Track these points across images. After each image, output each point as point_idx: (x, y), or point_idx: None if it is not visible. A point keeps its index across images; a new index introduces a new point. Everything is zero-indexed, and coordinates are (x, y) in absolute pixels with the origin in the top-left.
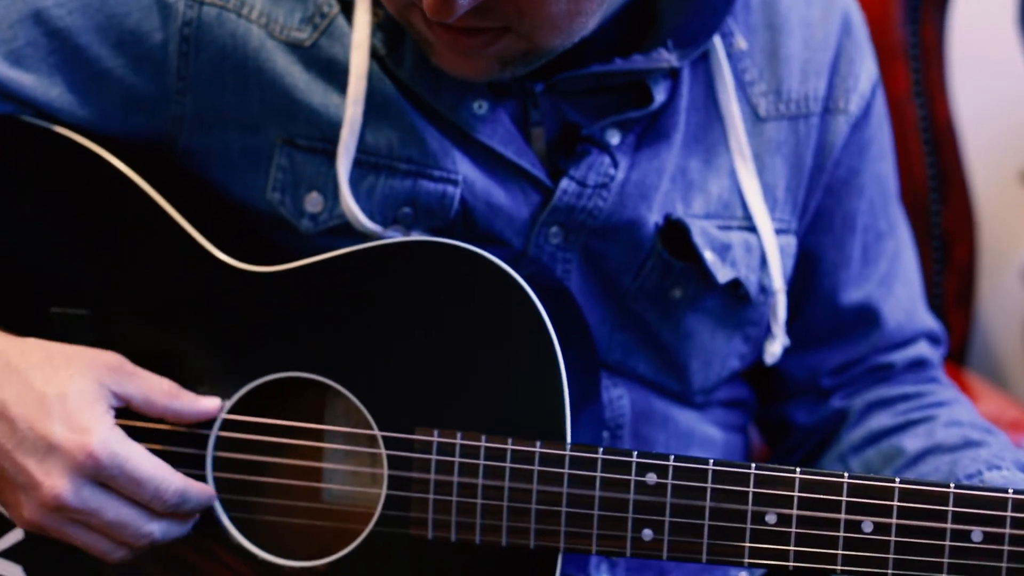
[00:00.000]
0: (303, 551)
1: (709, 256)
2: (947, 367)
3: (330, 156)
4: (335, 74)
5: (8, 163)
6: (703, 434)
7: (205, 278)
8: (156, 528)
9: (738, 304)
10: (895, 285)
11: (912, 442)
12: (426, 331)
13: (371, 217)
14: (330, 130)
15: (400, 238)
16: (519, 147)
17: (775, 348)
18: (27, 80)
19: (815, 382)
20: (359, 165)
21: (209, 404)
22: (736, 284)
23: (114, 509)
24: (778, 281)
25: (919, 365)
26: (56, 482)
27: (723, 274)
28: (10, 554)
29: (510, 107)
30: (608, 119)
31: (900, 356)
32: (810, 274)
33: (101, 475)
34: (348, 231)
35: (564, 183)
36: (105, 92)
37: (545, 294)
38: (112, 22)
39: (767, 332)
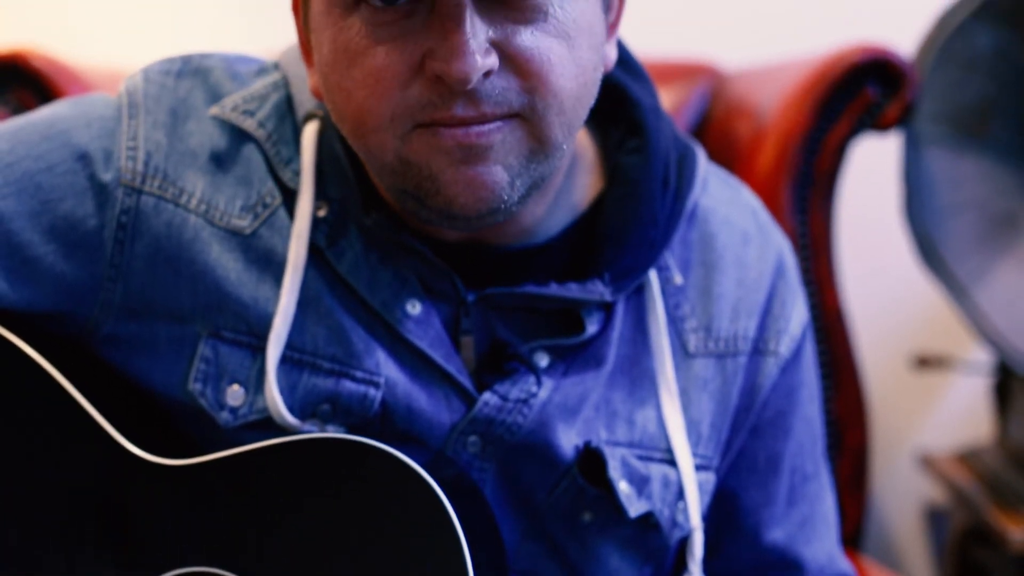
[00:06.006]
0: None
1: (624, 488)
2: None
3: (254, 350)
4: (271, 265)
5: None
6: None
7: (112, 470)
8: None
9: (648, 532)
10: (819, 527)
11: None
12: (337, 530)
13: (291, 411)
14: (258, 324)
15: (314, 434)
16: (447, 352)
17: None
18: None
19: None
20: (283, 361)
21: None
22: (648, 515)
23: None
24: (695, 518)
25: None
26: None
27: (635, 508)
28: None
29: (443, 311)
30: (537, 341)
31: None
32: (732, 512)
33: None
34: (267, 426)
35: (486, 395)
36: (35, 278)
37: (458, 496)
38: (47, 207)
39: (675, 558)
